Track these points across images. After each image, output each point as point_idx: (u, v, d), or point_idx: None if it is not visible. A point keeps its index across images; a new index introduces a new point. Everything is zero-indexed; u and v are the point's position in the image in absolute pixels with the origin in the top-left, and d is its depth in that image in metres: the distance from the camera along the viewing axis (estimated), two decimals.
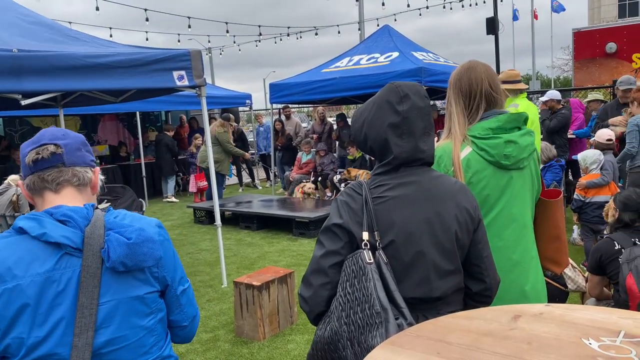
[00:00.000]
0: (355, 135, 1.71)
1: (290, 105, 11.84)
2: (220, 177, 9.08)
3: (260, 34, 17.43)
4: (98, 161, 11.37)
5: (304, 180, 9.96)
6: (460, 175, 1.88)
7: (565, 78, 36.75)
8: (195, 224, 8.71)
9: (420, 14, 17.04)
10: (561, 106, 7.12)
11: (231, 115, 9.73)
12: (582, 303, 3.55)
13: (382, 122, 1.60)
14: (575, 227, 5.97)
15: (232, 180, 13.66)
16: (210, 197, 9.17)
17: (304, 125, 14.26)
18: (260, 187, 12.51)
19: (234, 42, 18.74)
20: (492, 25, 9.89)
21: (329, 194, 10.10)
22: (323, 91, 8.97)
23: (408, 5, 16.20)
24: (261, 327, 4.01)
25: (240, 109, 13.58)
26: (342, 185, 9.36)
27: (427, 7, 16.83)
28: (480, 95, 1.95)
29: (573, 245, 5.87)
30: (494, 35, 9.93)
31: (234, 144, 9.41)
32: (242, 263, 6.18)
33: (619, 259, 3.00)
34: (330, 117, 15.33)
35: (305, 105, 15.70)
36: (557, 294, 3.28)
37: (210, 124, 9.64)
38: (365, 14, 16.85)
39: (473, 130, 1.93)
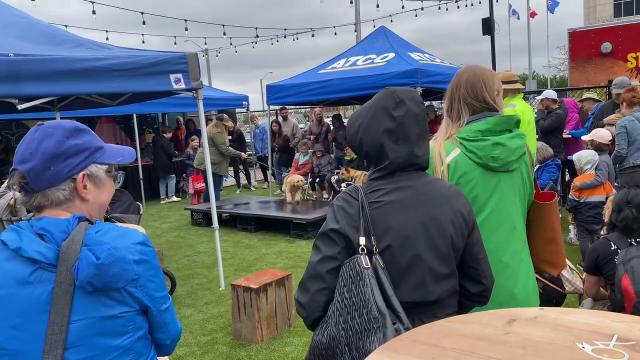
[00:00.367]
0: (351, 140, 1.72)
1: (287, 107, 11.85)
2: (218, 179, 9.09)
3: (257, 36, 17.44)
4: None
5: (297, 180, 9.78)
6: (437, 167, 1.93)
7: (561, 77, 36.85)
8: (193, 226, 8.70)
9: (416, 15, 17.08)
10: (556, 106, 7.15)
11: (225, 115, 9.75)
12: (580, 304, 3.57)
13: (378, 128, 1.62)
14: (571, 227, 5.99)
15: (229, 181, 13.67)
16: (208, 199, 9.18)
17: (301, 126, 14.28)
18: (254, 189, 12.51)
19: (231, 44, 18.75)
20: (487, 26, 9.93)
21: (326, 195, 10.11)
22: (320, 92, 8.98)
23: (403, 7, 16.22)
24: (259, 329, 4.02)
25: (237, 110, 13.58)
26: (342, 185, 9.37)
27: (422, 8, 16.86)
28: (458, 100, 2.02)
29: (570, 245, 5.90)
30: (490, 36, 9.96)
31: (229, 144, 9.41)
32: (240, 265, 6.19)
33: (615, 260, 3.01)
34: (328, 117, 15.34)
35: (302, 107, 15.72)
36: (555, 295, 3.30)
37: (207, 125, 9.67)
38: (361, 15, 16.87)
39: (462, 132, 1.96)
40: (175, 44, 17.02)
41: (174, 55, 4.83)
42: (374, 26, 16.07)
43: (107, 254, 1.22)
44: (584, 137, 5.63)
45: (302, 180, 8.67)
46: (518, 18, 29.76)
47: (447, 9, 17.33)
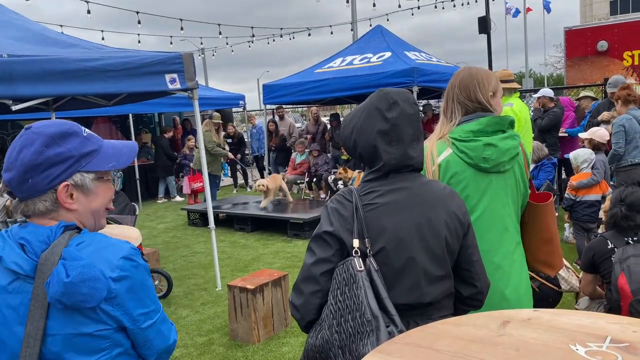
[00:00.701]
0: (345, 142, 1.72)
1: (284, 106, 11.84)
2: (212, 178, 9.09)
3: (253, 35, 17.41)
4: None
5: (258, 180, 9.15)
6: (429, 166, 1.93)
7: (558, 75, 36.91)
8: (189, 226, 8.69)
9: (412, 14, 17.08)
10: (553, 104, 7.16)
11: (216, 113, 9.76)
12: (576, 302, 3.57)
13: (372, 129, 1.61)
14: (567, 225, 6.00)
15: (226, 181, 13.66)
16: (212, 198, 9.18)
17: (298, 125, 14.26)
18: (250, 189, 12.50)
19: (227, 43, 18.71)
20: (484, 25, 9.94)
21: (323, 195, 10.10)
22: (316, 92, 8.97)
23: (399, 6, 16.21)
24: (255, 330, 4.01)
25: (234, 109, 13.57)
26: (338, 183, 9.36)
27: (419, 7, 16.86)
28: (452, 100, 2.03)
29: (566, 244, 5.90)
30: (486, 34, 9.97)
31: (216, 142, 9.39)
32: (237, 265, 6.18)
33: (612, 258, 3.01)
34: (325, 117, 15.32)
35: (299, 106, 15.71)
36: (551, 294, 3.30)
37: (214, 126, 9.68)
38: (357, 13, 16.86)
39: (455, 132, 1.96)
40: (171, 43, 16.99)
41: (169, 56, 4.82)
42: (371, 25, 16.06)
43: (78, 272, 1.16)
44: (582, 135, 5.63)
45: (263, 185, 8.17)
46: (513, 16, 29.78)
47: (443, 8, 17.34)
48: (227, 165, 10.28)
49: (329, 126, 11.23)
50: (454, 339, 1.24)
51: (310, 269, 1.60)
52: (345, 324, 1.50)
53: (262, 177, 12.58)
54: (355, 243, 1.55)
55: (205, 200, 5.82)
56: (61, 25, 13.75)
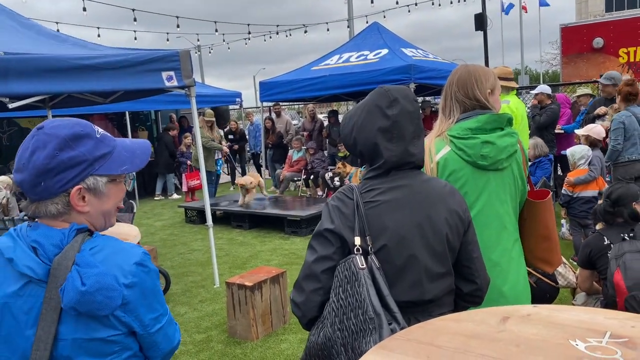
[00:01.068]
0: (345, 140, 1.72)
1: (280, 103, 11.84)
2: (208, 175, 9.10)
3: (250, 32, 17.37)
4: None
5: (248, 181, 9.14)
6: (427, 164, 1.94)
7: (554, 72, 36.99)
8: (187, 223, 8.68)
9: (409, 11, 17.07)
10: (550, 101, 7.18)
11: (209, 110, 9.78)
12: (574, 298, 3.59)
13: (372, 127, 1.61)
14: (563, 221, 6.03)
15: (223, 178, 13.64)
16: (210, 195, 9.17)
17: (294, 122, 14.25)
18: (232, 188, 12.47)
19: (223, 40, 18.68)
20: (480, 21, 9.94)
21: (320, 192, 10.10)
22: (313, 89, 8.97)
23: (397, 2, 16.20)
24: (254, 327, 4.02)
25: (231, 107, 13.55)
26: (335, 179, 9.36)
27: (416, 4, 16.84)
28: (451, 98, 2.04)
29: (562, 240, 5.93)
30: (482, 31, 9.98)
31: (209, 139, 9.42)
32: (234, 263, 6.18)
33: (608, 254, 3.04)
34: (321, 114, 15.30)
35: (295, 103, 15.69)
36: (548, 290, 3.32)
37: (208, 123, 9.69)
38: (354, 10, 16.85)
39: (453, 130, 1.97)
40: (167, 40, 16.93)
41: (165, 53, 4.81)
42: (367, 22, 16.03)
43: (93, 280, 1.16)
44: (578, 132, 5.65)
45: (253, 182, 8.17)
46: (506, 13, 29.80)
47: (439, 5, 17.32)
48: (221, 161, 10.28)
49: (325, 123, 11.23)
50: (455, 335, 1.25)
51: (312, 267, 1.60)
52: (347, 322, 1.50)
53: (260, 174, 12.59)
54: (357, 241, 1.56)
55: (203, 198, 5.83)
56: (57, 23, 13.70)
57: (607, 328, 1.22)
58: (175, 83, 4.83)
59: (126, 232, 3.89)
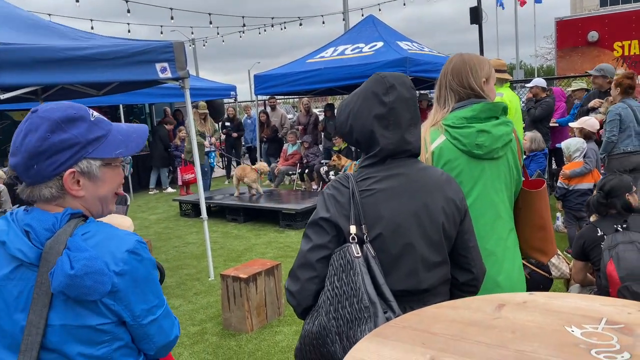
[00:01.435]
0: (341, 127, 1.70)
1: (275, 96, 11.79)
2: (201, 168, 9.08)
3: (244, 25, 17.29)
4: None
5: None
6: (422, 153, 1.91)
7: (548, 67, 37.04)
8: (182, 217, 8.66)
9: (404, 4, 17.02)
10: (545, 94, 7.19)
11: (202, 103, 9.75)
12: (567, 289, 3.61)
13: (368, 114, 1.60)
14: (558, 214, 6.04)
15: (218, 172, 13.60)
16: (206, 189, 9.16)
17: (289, 116, 14.20)
18: (227, 182, 12.40)
19: (218, 33, 18.58)
20: (475, 15, 9.93)
21: (315, 186, 10.09)
22: (308, 82, 8.94)
23: None
24: (249, 319, 4.02)
25: (225, 100, 13.49)
26: (331, 173, 9.35)
27: None
28: (445, 87, 2.03)
29: (557, 233, 5.95)
30: (477, 25, 9.97)
31: (199, 132, 9.41)
32: (229, 256, 6.17)
33: (602, 246, 3.05)
34: (317, 108, 15.27)
35: (290, 97, 15.65)
36: (542, 281, 3.33)
37: (200, 115, 9.66)
38: (349, 4, 16.79)
39: (448, 119, 1.96)
40: (161, 33, 16.84)
41: (159, 44, 4.77)
42: (362, 15, 15.99)
43: (82, 264, 1.14)
44: (572, 125, 5.66)
45: (254, 172, 8.20)
46: (503, 7, 29.74)
47: None
48: (214, 154, 10.24)
49: (321, 117, 11.21)
50: (450, 322, 1.24)
51: (307, 255, 1.59)
52: (342, 310, 1.49)
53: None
54: (352, 229, 1.55)
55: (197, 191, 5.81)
56: (49, 15, 13.57)
57: (603, 315, 1.21)
58: (169, 75, 4.80)
59: (119, 222, 3.84)
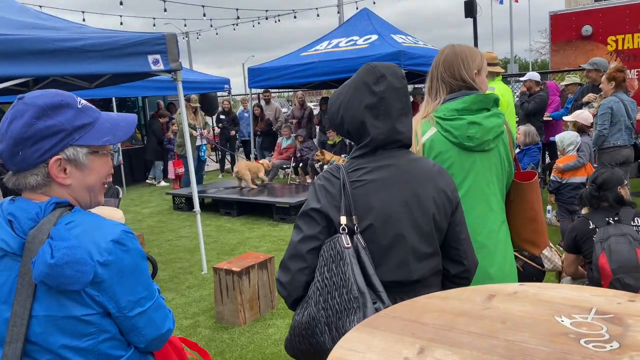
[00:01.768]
0: (332, 118, 1.69)
1: (270, 90, 11.74)
2: (187, 161, 9.07)
3: (238, 17, 17.20)
4: None
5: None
6: (413, 146, 1.91)
7: (543, 61, 37.10)
8: (175, 210, 8.63)
9: None
10: (539, 88, 7.19)
11: (193, 96, 9.71)
12: (559, 282, 3.62)
13: (359, 104, 1.59)
14: (549, 207, 6.06)
15: (212, 166, 13.56)
16: (186, 184, 9.13)
17: (284, 110, 14.15)
18: (222, 175, 12.37)
19: (211, 26, 18.47)
20: (470, 9, 9.91)
21: (309, 180, 10.08)
22: (302, 75, 8.90)
23: None
24: (242, 312, 4.01)
25: (219, 93, 13.42)
26: (325, 167, 9.34)
27: None
28: (437, 79, 2.01)
29: (549, 226, 5.97)
30: (472, 19, 9.95)
31: (190, 124, 9.39)
32: (223, 249, 6.16)
33: (593, 238, 3.06)
34: (311, 102, 15.22)
35: (285, 90, 15.59)
36: (534, 273, 3.34)
37: (191, 108, 9.60)
38: None
39: (439, 111, 1.95)
40: (154, 25, 16.72)
41: (152, 36, 4.73)
42: (357, 8, 15.93)
43: (62, 253, 1.12)
44: (566, 118, 5.66)
45: (265, 165, 8.39)
46: (501, 2, 29.71)
47: None
48: (205, 147, 10.20)
49: (316, 111, 11.17)
50: (441, 312, 1.23)
51: (297, 246, 1.58)
52: (332, 301, 1.49)
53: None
54: (343, 220, 1.54)
55: (188, 186, 5.78)
56: (40, 7, 13.44)
57: (593, 305, 1.21)
58: (161, 67, 4.76)
59: (110, 215, 3.83)
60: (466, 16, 10.15)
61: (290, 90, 13.62)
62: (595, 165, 5.40)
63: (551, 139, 7.12)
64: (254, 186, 8.32)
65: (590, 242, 3.11)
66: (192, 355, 1.67)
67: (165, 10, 15.09)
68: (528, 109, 7.04)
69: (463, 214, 1.70)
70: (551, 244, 3.51)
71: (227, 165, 12.81)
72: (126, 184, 10.83)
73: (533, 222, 2.14)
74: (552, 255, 3.39)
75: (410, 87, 11.97)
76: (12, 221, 1.19)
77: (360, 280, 1.46)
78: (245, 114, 12.36)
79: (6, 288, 1.18)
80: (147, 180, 11.49)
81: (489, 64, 4.51)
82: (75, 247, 1.14)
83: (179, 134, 9.39)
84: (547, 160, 7.97)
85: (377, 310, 1.42)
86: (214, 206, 8.30)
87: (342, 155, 9.06)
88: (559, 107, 7.74)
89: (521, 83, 7.73)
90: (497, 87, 4.51)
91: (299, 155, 10.23)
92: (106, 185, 1.35)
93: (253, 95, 11.51)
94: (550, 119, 7.53)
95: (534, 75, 7.34)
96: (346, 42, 8.92)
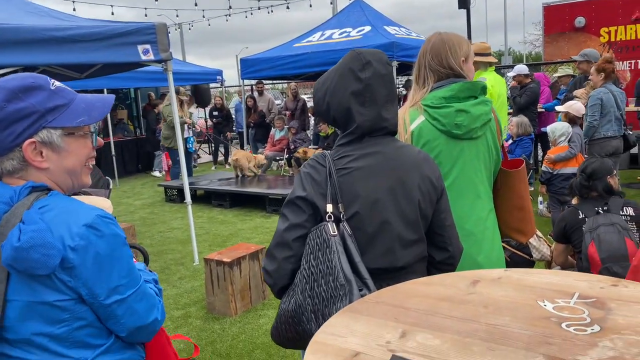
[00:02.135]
0: (318, 106, 1.68)
1: (263, 82, 11.69)
2: (174, 154, 9.11)
3: (230, 7, 17.08)
4: None
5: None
6: (402, 134, 1.91)
7: (537, 53, 37.12)
8: (167, 202, 8.60)
9: None
10: (529, 80, 7.20)
11: (182, 89, 9.67)
12: None
13: (345, 90, 1.58)
14: (540, 198, 6.08)
15: (205, 158, 13.52)
16: (175, 177, 9.10)
17: (277, 102, 14.10)
18: (229, 166, 12.35)
19: (203, 17, 18.34)
20: (463, 0, 9.87)
21: None
22: (295, 66, 8.86)
23: None
24: (233, 303, 4.01)
25: (212, 85, 13.35)
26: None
27: None
28: (424, 67, 2.00)
29: (540, 217, 5.99)
30: (465, 10, 9.92)
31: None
32: (215, 241, 6.15)
33: (583, 228, 3.07)
34: (305, 94, 15.16)
35: (279, 82, 15.54)
36: (522, 263, 3.35)
37: (177, 101, 9.55)
38: None
39: (427, 99, 1.94)
40: (146, 16, 16.59)
41: (141, 26, 4.68)
42: None
43: (28, 237, 1.10)
44: (558, 108, 5.67)
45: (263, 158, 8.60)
46: None
47: None
48: (192, 139, 10.16)
49: (309, 104, 11.14)
50: (424, 297, 1.23)
51: (283, 235, 1.58)
52: (318, 289, 1.49)
53: None
54: (329, 208, 1.53)
55: (177, 178, 5.76)
56: None
57: (576, 289, 1.21)
58: (151, 57, 4.72)
59: (95, 203, 3.82)
60: (459, 7, 10.11)
61: (283, 82, 13.57)
62: (586, 156, 5.42)
63: (543, 129, 7.14)
64: (251, 174, 8.37)
65: (579, 232, 3.13)
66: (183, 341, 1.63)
67: (156, 0, 14.96)
68: (520, 104, 7.04)
69: (448, 201, 1.70)
70: (539, 233, 3.52)
71: (220, 157, 12.77)
72: (118, 175, 10.78)
73: (520, 210, 2.14)
74: (541, 245, 3.40)
75: (403, 79, 11.96)
76: None
77: (346, 267, 1.46)
78: (241, 105, 12.32)
79: None
80: (152, 173, 11.46)
81: (482, 54, 4.52)
82: (43, 230, 1.12)
83: (165, 127, 9.34)
84: (540, 151, 7.99)
85: (363, 296, 1.42)
86: (206, 198, 8.28)
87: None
88: (549, 98, 7.75)
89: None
90: (490, 78, 4.52)
91: (292, 147, 10.21)
92: (90, 166, 1.32)
93: (246, 87, 11.46)
94: (543, 110, 7.55)
95: (521, 68, 7.34)
96: (339, 34, 8.88)
